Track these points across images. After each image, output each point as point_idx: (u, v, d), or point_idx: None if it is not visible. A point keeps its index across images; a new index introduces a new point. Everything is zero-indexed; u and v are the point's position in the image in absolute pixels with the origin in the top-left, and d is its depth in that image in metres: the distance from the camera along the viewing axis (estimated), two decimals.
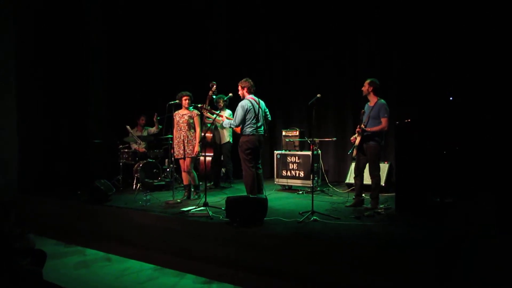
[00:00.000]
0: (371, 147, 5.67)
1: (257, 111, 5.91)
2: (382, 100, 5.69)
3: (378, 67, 7.76)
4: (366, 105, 5.87)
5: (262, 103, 6.09)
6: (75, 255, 5.64)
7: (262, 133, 6.01)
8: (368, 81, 5.76)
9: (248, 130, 5.87)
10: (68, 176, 8.40)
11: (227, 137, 7.83)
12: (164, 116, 6.52)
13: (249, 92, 6.00)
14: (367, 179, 5.88)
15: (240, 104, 5.90)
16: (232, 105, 6.70)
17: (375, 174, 5.70)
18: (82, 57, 8.86)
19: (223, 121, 6.29)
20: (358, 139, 5.76)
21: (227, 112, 7.41)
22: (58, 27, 8.48)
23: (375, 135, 5.63)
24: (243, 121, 5.84)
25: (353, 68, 8.14)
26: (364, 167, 5.86)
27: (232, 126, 5.94)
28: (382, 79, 7.54)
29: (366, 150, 5.71)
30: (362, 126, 5.69)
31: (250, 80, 6.03)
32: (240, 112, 5.84)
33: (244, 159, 5.91)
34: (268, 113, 6.18)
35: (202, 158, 7.35)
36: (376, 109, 5.64)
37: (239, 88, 6.07)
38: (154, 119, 8.11)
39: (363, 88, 5.79)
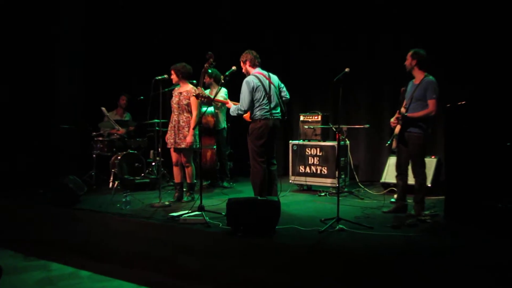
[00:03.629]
0: (414, 137, 5.60)
1: (267, 88, 5.86)
2: (431, 77, 5.60)
3: (424, 34, 7.66)
4: (410, 83, 5.80)
5: (274, 78, 6.05)
6: (37, 270, 5.67)
7: (279, 116, 5.98)
8: (410, 52, 5.68)
9: (258, 113, 5.83)
10: (28, 170, 8.45)
11: (222, 122, 7.81)
12: (150, 95, 6.49)
13: (253, 65, 5.97)
14: (412, 179, 5.81)
15: (244, 81, 5.85)
16: (234, 86, 6.69)
17: (419, 171, 5.64)
18: (49, 25, 8.87)
19: (229, 108, 6.25)
20: (398, 127, 5.70)
21: (222, 92, 7.38)
22: None
23: (419, 121, 5.57)
24: (251, 104, 5.80)
25: (392, 36, 8.05)
26: (408, 163, 5.80)
27: (240, 112, 5.90)
28: (429, 52, 7.47)
29: (408, 140, 5.65)
30: (403, 110, 5.63)
31: (253, 51, 6.01)
32: (246, 92, 5.79)
33: (254, 152, 5.88)
34: (284, 89, 6.15)
35: (203, 149, 7.36)
36: (422, 88, 5.56)
37: (241, 64, 6.05)
38: (131, 128, 8.47)
39: (405, 62, 5.72)
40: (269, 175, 6.01)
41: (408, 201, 5.92)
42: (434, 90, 5.52)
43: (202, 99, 6.35)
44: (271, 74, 6.03)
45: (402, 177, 5.87)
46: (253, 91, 5.80)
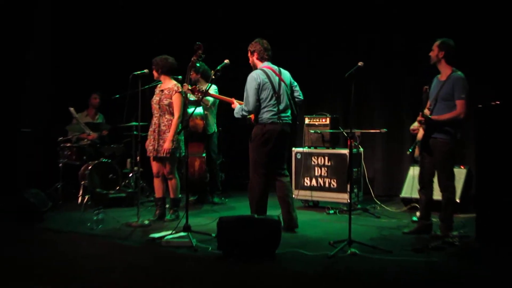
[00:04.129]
0: (440, 143, 5.61)
1: (277, 86, 5.83)
2: (459, 73, 5.61)
3: (454, 24, 7.68)
4: (435, 80, 5.80)
5: (286, 74, 6.03)
6: None
7: (289, 120, 5.94)
8: (438, 42, 5.68)
9: (265, 116, 5.79)
10: None
11: (212, 125, 7.81)
12: (127, 94, 6.47)
13: (262, 59, 5.94)
14: (438, 193, 5.79)
15: (249, 77, 5.82)
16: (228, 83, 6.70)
17: (446, 184, 5.65)
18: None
19: (234, 108, 6.16)
20: (421, 132, 5.69)
21: (212, 90, 7.36)
22: None
23: (446, 124, 5.56)
24: (257, 103, 5.77)
25: (414, 27, 8.09)
26: (433, 175, 5.80)
27: (244, 113, 5.87)
28: (458, 44, 7.49)
29: (433, 147, 5.65)
30: (426, 112, 5.62)
31: (264, 41, 5.97)
32: (251, 90, 5.75)
33: (255, 162, 5.85)
34: (297, 88, 6.12)
35: (191, 157, 7.34)
36: (449, 86, 5.57)
37: (248, 54, 6.03)
38: (104, 132, 8.47)
39: (431, 53, 5.72)
40: (282, 186, 6.00)
41: (433, 219, 5.91)
42: (464, 88, 5.51)
43: (198, 94, 6.27)
44: (282, 70, 6.01)
45: (426, 191, 5.86)
46: (259, 88, 5.76)
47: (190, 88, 6.30)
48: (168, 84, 6.54)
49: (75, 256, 5.72)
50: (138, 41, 9.65)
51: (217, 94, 7.28)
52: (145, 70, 6.47)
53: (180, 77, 6.79)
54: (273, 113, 5.80)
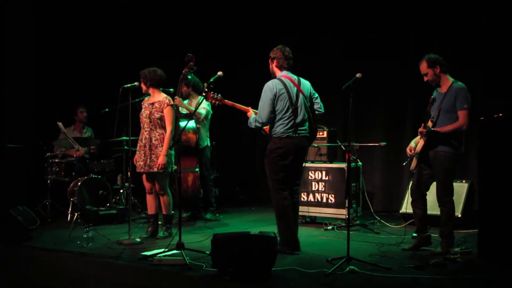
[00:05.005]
0: (441, 157, 5.63)
1: (294, 97, 5.72)
2: (460, 83, 5.65)
3: (456, 38, 7.75)
4: (435, 93, 5.85)
5: (305, 84, 5.92)
6: None
7: (306, 133, 5.84)
8: (424, 64, 5.69)
9: (279, 129, 5.69)
10: None
11: (204, 139, 7.85)
12: (117, 107, 6.49)
13: (281, 67, 5.86)
14: (433, 207, 5.80)
15: (265, 86, 5.73)
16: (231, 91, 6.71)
17: (446, 199, 5.67)
18: None
19: (248, 117, 6.02)
20: (421, 143, 5.71)
21: (204, 103, 7.38)
22: None
23: (448, 137, 5.59)
24: (272, 115, 5.68)
25: (417, 35, 8.18)
26: (427, 187, 5.84)
27: (258, 125, 5.77)
28: (462, 58, 7.52)
29: (434, 160, 5.69)
30: (429, 124, 5.66)
31: (286, 49, 5.86)
32: (265, 100, 5.66)
33: (272, 177, 5.77)
34: (318, 100, 6.01)
35: (183, 172, 7.34)
36: (451, 97, 5.59)
37: (269, 61, 5.97)
38: (92, 149, 8.50)
39: (427, 78, 5.71)
40: (293, 206, 5.91)
41: (434, 235, 5.92)
42: (466, 98, 5.54)
43: (213, 101, 6.14)
44: (302, 80, 5.90)
45: (421, 203, 5.86)
46: (274, 99, 5.64)
47: (204, 93, 6.12)
48: (158, 97, 6.54)
49: (63, 276, 5.72)
50: (126, 52, 9.66)
51: (204, 110, 7.36)
52: (136, 83, 6.46)
53: (172, 90, 6.81)
54: (288, 126, 5.66)
